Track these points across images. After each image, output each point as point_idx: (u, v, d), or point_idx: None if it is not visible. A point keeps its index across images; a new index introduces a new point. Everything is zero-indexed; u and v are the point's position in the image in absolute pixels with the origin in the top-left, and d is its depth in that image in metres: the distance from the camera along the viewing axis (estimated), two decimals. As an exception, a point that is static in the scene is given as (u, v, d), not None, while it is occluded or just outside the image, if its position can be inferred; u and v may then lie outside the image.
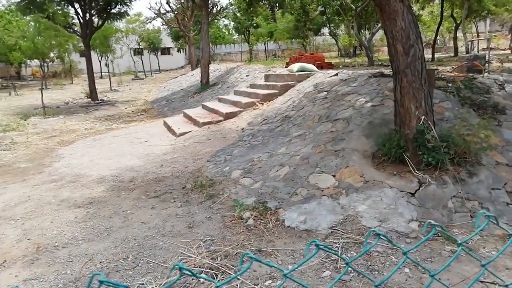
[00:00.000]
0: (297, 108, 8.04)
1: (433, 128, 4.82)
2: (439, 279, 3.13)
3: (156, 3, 63.96)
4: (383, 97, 6.49)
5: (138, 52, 39.10)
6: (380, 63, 13.81)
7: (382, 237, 0.81)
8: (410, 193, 4.44)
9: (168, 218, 4.56)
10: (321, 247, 0.73)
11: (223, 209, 4.71)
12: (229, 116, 9.43)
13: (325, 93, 8.00)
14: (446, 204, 4.26)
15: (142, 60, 37.92)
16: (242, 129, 8.27)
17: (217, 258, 3.56)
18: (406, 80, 4.91)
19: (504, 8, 18.71)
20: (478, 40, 21.49)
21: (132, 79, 33.14)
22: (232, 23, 35.13)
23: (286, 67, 13.42)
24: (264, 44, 29.21)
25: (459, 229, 3.95)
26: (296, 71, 10.72)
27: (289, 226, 4.18)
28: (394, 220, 4.06)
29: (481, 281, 3.05)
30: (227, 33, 41.15)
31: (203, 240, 3.93)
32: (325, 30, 25.38)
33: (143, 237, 4.11)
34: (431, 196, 4.35)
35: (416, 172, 4.65)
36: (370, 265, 3.36)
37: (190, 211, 4.73)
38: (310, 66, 10.99)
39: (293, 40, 25.38)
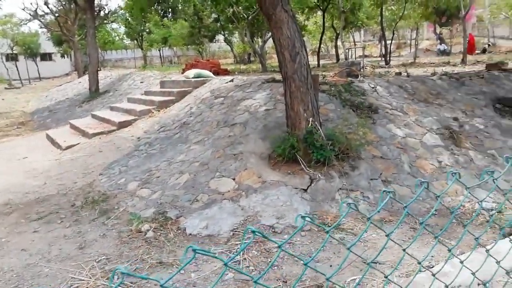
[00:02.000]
0: (195, 114, 7.99)
1: (320, 128, 5.25)
2: (314, 266, 3.35)
3: (31, 4, 57.32)
4: (276, 101, 6.85)
5: (11, 57, 34.52)
6: (273, 69, 14.56)
7: (257, 234, 0.84)
8: (303, 189, 4.76)
9: (55, 241, 4.10)
10: (198, 251, 0.73)
11: (119, 225, 4.42)
12: (123, 125, 8.92)
13: (222, 98, 8.11)
14: (334, 197, 4.67)
15: (17, 66, 33.55)
16: (138, 138, 7.89)
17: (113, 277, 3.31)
18: (294, 85, 5.26)
19: (373, 21, 21.42)
20: (355, 48, 24.18)
21: (5, 88, 29.11)
22: (122, 27, 33.41)
23: (182, 73, 13.26)
24: (159, 50, 28.45)
25: (346, 218, 4.35)
26: (193, 77, 10.67)
27: (190, 234, 4.12)
28: (290, 216, 4.29)
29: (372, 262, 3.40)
30: (117, 38, 38.94)
31: (96, 260, 3.63)
32: (220, 37, 25.85)
33: (23, 266, 3.62)
34: (321, 190, 4.72)
35: (308, 170, 5.01)
36: (269, 261, 3.49)
37: (80, 230, 4.33)
38: (206, 72, 11.04)
39: (188, 46, 25.24)
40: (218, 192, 4.88)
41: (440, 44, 25.71)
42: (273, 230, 4.12)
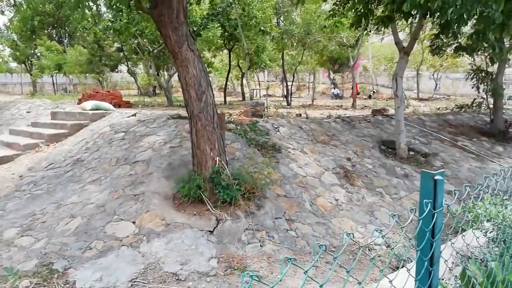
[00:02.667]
0: (91, 150, 7.35)
1: (226, 167, 5.24)
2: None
3: None
4: (181, 138, 6.69)
5: None
6: (178, 103, 14.38)
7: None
8: (209, 231, 4.61)
9: None
10: None
11: (-12, 283, 3.69)
12: (1, 161, 7.75)
13: (123, 133, 7.64)
14: (240, 237, 4.61)
15: None
16: (20, 176, 6.91)
17: None
18: (200, 124, 5.20)
19: (276, 63, 22.92)
20: (259, 88, 25.41)
21: None
22: (8, 49, 29.93)
23: (78, 104, 12.27)
24: (52, 77, 26.07)
25: (251, 259, 4.31)
26: (90, 109, 9.92)
27: (81, 289, 3.62)
28: (195, 260, 4.09)
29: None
30: (0, 60, 34.70)
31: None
32: (123, 67, 24.83)
33: None
34: (227, 232, 4.63)
35: (214, 210, 4.90)
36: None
37: None
38: (106, 104, 10.38)
39: (87, 74, 23.66)
40: (115, 238, 4.44)
41: (334, 88, 28.60)
42: (176, 277, 3.86)
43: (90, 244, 4.36)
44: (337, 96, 26.39)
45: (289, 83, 18.86)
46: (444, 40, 9.64)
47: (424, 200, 1.36)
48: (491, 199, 3.83)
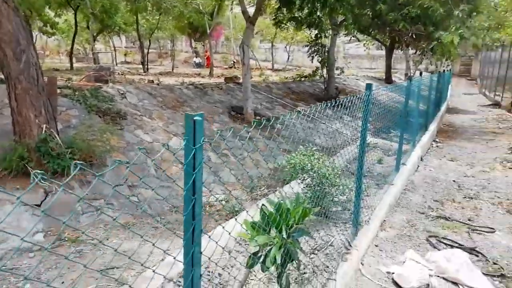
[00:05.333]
0: None
1: (56, 135, 4.80)
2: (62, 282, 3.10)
3: None
4: (3, 105, 5.81)
5: None
6: None
7: None
8: (36, 204, 4.23)
9: None
10: None
11: None
12: None
13: None
14: (74, 208, 4.36)
15: None
16: None
17: None
18: (21, 87, 4.60)
19: (132, 28, 21.47)
20: (114, 52, 23.54)
21: None
22: None
23: None
24: None
25: (86, 228, 4.15)
26: None
27: None
28: (15, 238, 3.72)
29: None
30: None
31: None
32: None
33: None
34: (58, 204, 4.32)
35: (42, 182, 4.47)
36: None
37: None
38: None
39: None
40: None
41: (196, 57, 28.50)
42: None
43: None
44: (199, 65, 26.43)
45: (147, 50, 17.98)
46: (285, 14, 10.50)
47: (186, 138, 1.52)
48: (303, 151, 4.48)
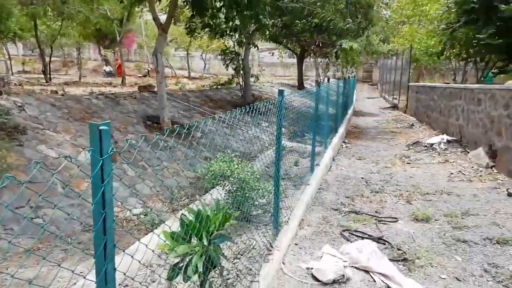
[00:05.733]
0: None
1: None
2: None
3: None
4: None
5: None
6: None
7: None
8: None
9: None
10: None
11: None
12: None
13: None
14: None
15: None
16: None
17: None
18: None
19: (30, 34, 19.53)
20: (9, 61, 21.20)
21: None
22: None
23: None
24: None
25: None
26: None
27: None
28: None
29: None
30: None
31: None
32: None
33: None
34: None
35: None
36: None
37: None
38: None
39: None
40: None
41: (106, 66, 26.95)
42: None
43: None
44: (109, 74, 25.04)
45: (49, 58, 16.50)
46: (197, 23, 10.49)
47: (92, 149, 1.43)
48: (222, 157, 4.50)
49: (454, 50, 15.09)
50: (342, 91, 11.46)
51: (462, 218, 4.80)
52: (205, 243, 2.31)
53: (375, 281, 3.28)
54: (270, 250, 3.34)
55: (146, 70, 27.50)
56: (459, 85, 12.49)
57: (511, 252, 3.88)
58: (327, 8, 11.15)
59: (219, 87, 13.54)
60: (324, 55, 15.83)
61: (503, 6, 11.12)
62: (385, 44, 20.14)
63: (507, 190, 5.84)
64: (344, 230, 4.44)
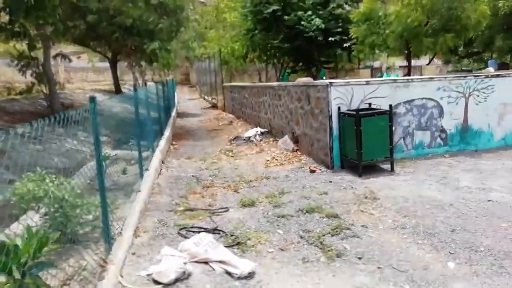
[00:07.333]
0: None
1: None
2: None
3: None
4: None
5: None
6: None
7: None
8: None
9: None
10: None
11: None
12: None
13: None
14: None
15: None
16: None
17: None
18: None
19: None
20: None
21: None
22: None
23: None
24: None
25: None
26: None
27: None
28: None
29: None
30: None
31: None
32: None
33: None
34: None
35: None
36: None
37: None
38: None
39: None
40: None
41: None
42: None
43: None
44: None
45: None
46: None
47: None
48: (32, 177, 3.88)
49: (255, 53, 17.15)
50: (162, 94, 11.46)
51: (280, 197, 5.54)
52: (17, 276, 1.96)
53: (214, 270, 3.46)
54: (104, 267, 3.09)
55: None
56: (264, 83, 14.25)
57: (316, 218, 4.72)
58: (138, 4, 10.91)
59: (16, 97, 11.51)
60: (138, 59, 15.47)
61: (287, 16, 13.32)
62: (198, 48, 21.14)
63: (309, 167, 7.04)
64: (181, 229, 4.49)
